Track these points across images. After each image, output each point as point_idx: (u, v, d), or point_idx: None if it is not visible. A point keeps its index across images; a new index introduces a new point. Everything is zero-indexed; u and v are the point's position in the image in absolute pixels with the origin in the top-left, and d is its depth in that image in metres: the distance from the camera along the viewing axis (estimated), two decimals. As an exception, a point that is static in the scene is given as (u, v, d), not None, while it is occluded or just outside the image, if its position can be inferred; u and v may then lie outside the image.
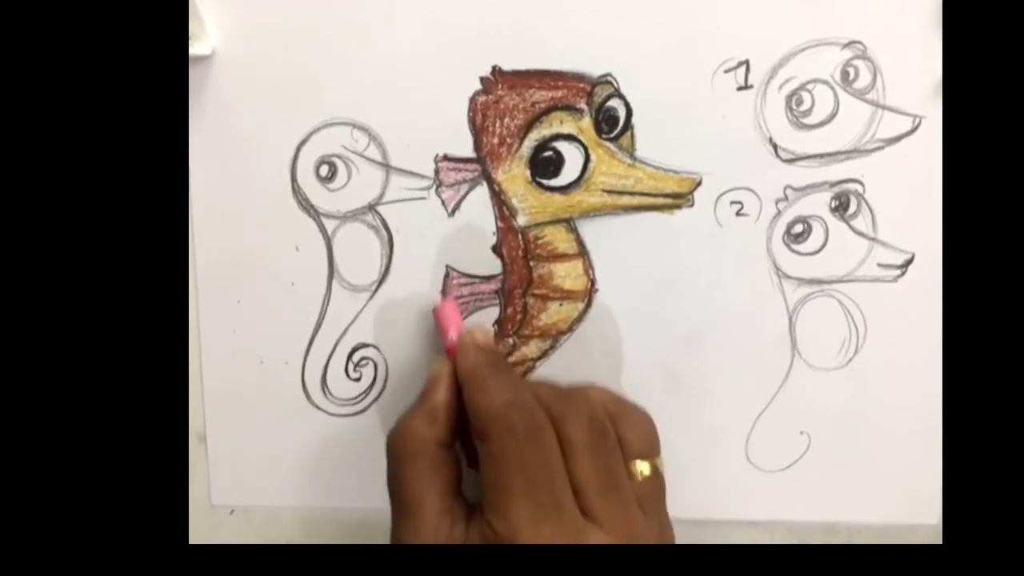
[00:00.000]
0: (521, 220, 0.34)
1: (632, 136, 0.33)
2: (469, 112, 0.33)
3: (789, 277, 0.35)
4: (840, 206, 0.34)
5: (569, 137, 0.33)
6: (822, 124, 0.33)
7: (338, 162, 0.33)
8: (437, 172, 0.34)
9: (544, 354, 0.35)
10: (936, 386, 0.35)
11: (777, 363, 0.35)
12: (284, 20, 0.32)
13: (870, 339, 0.35)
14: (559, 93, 0.33)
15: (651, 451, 0.31)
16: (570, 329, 0.35)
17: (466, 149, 0.33)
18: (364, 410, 0.36)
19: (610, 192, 0.34)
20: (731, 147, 0.33)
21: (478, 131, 0.33)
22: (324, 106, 0.33)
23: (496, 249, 0.34)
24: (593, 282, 0.35)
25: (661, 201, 0.34)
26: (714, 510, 0.37)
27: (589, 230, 0.34)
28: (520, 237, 0.34)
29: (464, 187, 0.34)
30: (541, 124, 0.33)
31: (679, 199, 0.34)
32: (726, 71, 0.33)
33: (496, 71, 0.33)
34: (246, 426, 0.36)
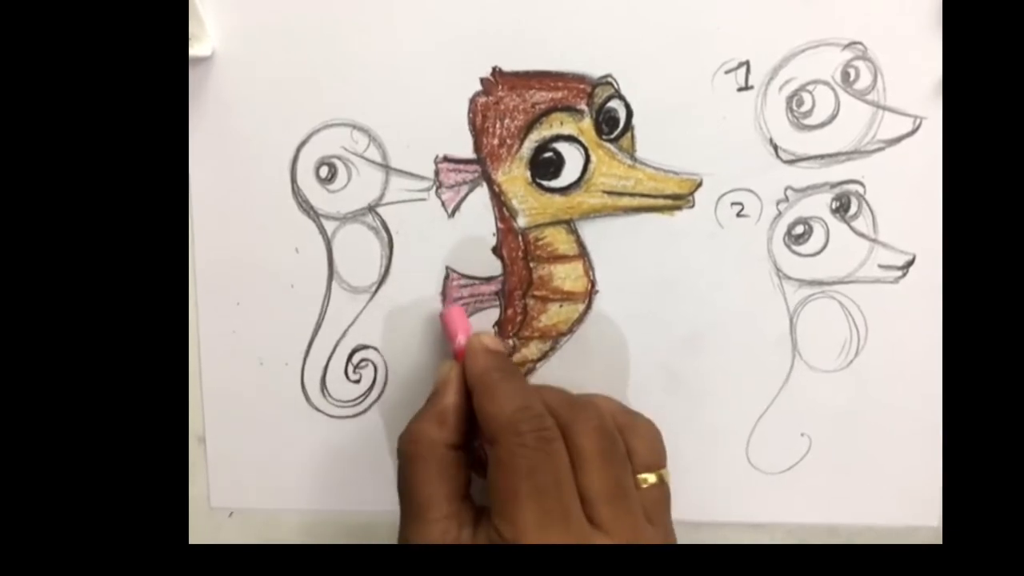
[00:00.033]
0: (521, 221, 0.34)
1: (632, 137, 0.33)
2: (469, 113, 0.33)
3: (790, 278, 0.35)
4: (841, 207, 0.34)
5: (569, 138, 0.33)
6: (823, 125, 0.33)
7: (338, 163, 0.33)
8: (437, 173, 0.33)
9: (544, 355, 0.35)
10: (937, 388, 0.35)
11: (778, 364, 0.35)
12: (284, 21, 0.32)
13: (871, 340, 0.35)
14: (559, 94, 0.33)
15: (658, 462, 0.31)
16: (570, 330, 0.35)
17: (466, 150, 0.33)
18: (364, 412, 0.36)
19: (610, 193, 0.34)
20: (731, 148, 0.33)
21: (478, 132, 0.33)
22: (324, 107, 0.33)
23: (496, 250, 0.34)
24: (593, 283, 0.35)
25: (661, 202, 0.34)
26: (715, 512, 0.37)
27: (589, 231, 0.34)
28: (520, 238, 0.34)
29: (464, 188, 0.34)
30: (541, 125, 0.33)
31: (679, 200, 0.34)
32: (726, 72, 0.33)
33: (496, 72, 0.33)
34: (245, 428, 0.36)
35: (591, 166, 0.33)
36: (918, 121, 0.33)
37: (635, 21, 0.32)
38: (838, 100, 0.33)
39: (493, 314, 0.35)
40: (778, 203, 0.34)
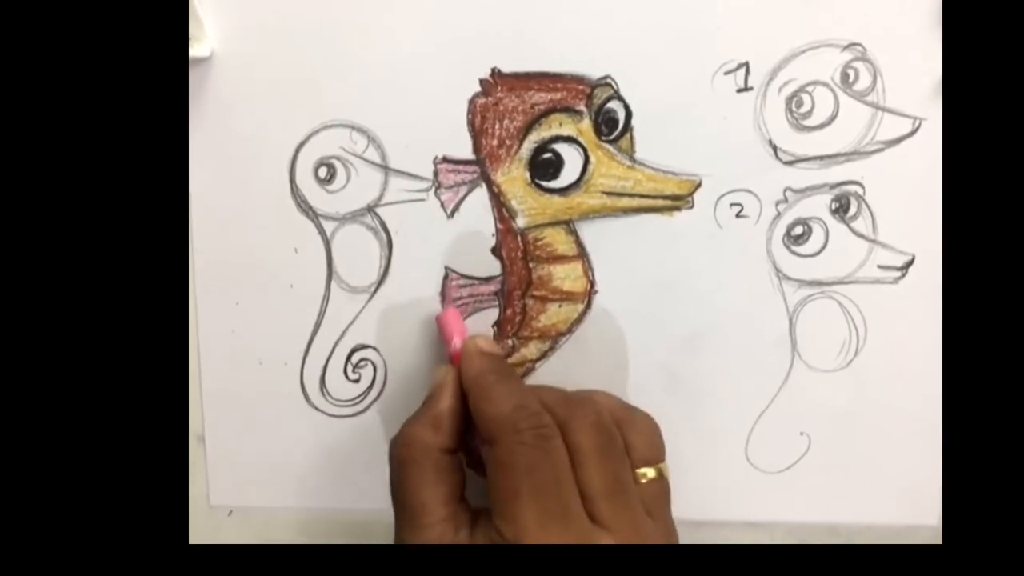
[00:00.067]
0: (520, 222, 0.34)
1: (631, 138, 0.33)
2: (468, 114, 0.33)
3: (789, 279, 0.35)
4: (840, 208, 0.34)
5: (568, 139, 0.33)
6: (822, 126, 0.33)
7: (337, 164, 0.33)
8: (436, 174, 0.34)
9: (543, 355, 0.35)
10: (936, 387, 0.35)
11: (777, 364, 0.35)
12: (283, 21, 0.32)
13: (870, 341, 0.35)
14: (558, 95, 0.33)
15: (657, 457, 0.31)
16: (569, 330, 0.35)
17: (465, 151, 0.33)
18: (363, 411, 0.36)
19: (609, 194, 0.34)
20: (731, 149, 0.33)
21: (477, 133, 0.33)
22: (323, 108, 0.33)
23: (495, 251, 0.34)
24: (592, 284, 0.35)
25: (661, 203, 0.34)
26: (714, 511, 0.37)
27: (588, 232, 0.34)
28: (519, 239, 0.34)
29: (463, 189, 0.34)
30: (540, 126, 0.33)
31: (679, 201, 0.34)
32: (726, 73, 0.33)
33: (495, 73, 0.33)
34: (245, 427, 0.36)
35: (590, 167, 0.33)
36: (917, 122, 0.33)
37: (634, 22, 0.32)
38: (837, 101, 0.33)
39: (492, 314, 0.35)
40: (777, 204, 0.34)
